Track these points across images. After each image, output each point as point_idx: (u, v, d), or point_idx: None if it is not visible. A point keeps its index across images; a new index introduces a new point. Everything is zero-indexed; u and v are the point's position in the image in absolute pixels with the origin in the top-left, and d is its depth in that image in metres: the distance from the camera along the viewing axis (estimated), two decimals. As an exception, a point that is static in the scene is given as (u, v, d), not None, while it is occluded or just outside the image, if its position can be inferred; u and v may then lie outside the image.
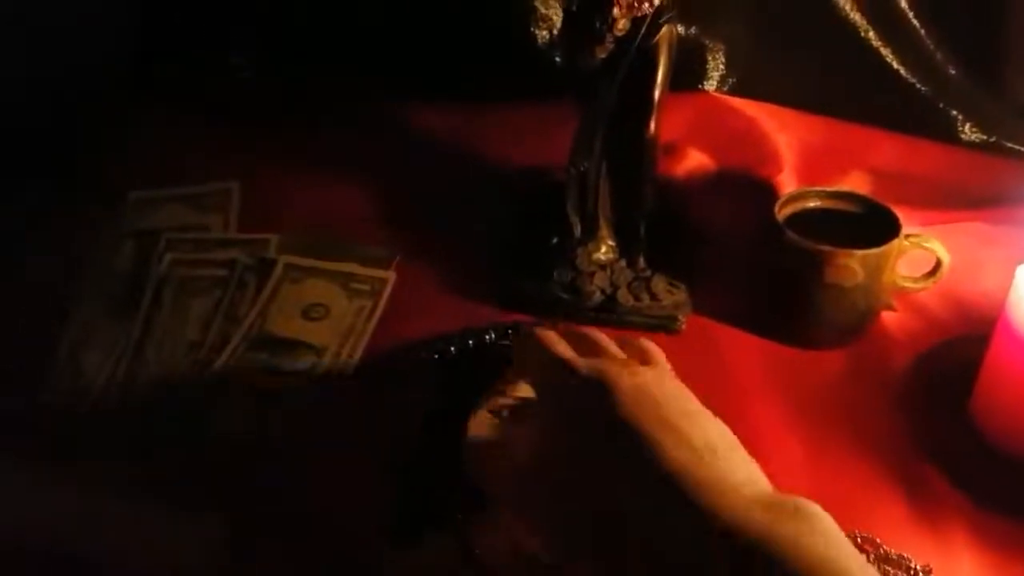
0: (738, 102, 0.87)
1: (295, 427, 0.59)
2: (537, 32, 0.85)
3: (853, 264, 0.60)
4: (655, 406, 0.42)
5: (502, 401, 0.55)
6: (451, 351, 0.62)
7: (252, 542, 0.53)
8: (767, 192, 0.75)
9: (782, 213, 0.64)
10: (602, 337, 0.50)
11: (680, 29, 0.83)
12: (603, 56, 0.60)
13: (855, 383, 0.62)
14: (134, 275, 0.70)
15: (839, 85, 0.85)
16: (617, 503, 0.41)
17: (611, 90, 0.62)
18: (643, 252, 0.67)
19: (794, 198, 0.66)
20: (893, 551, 0.51)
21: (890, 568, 0.51)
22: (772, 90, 0.87)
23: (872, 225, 0.63)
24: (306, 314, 0.66)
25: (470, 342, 0.62)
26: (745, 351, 0.64)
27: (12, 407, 0.61)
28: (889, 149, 0.82)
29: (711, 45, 0.88)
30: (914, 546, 0.52)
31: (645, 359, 0.49)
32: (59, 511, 0.55)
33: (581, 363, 0.46)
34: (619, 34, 0.59)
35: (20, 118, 0.76)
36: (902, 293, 0.65)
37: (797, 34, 0.84)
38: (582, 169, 0.65)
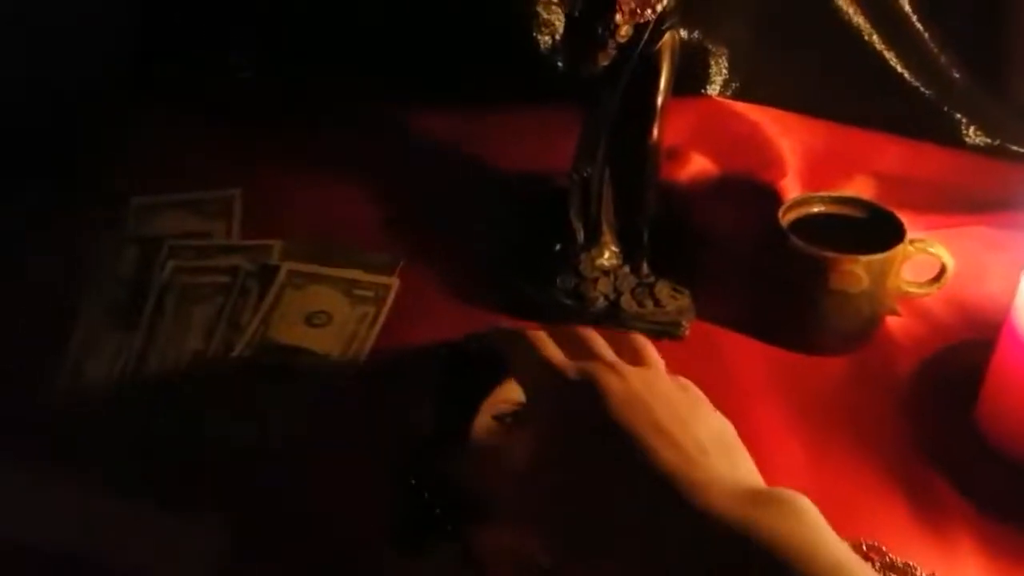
0: (741, 106, 0.87)
1: (296, 431, 0.59)
2: (539, 37, 0.85)
3: (858, 270, 0.60)
4: (645, 409, 0.43)
5: (504, 406, 0.55)
6: (454, 357, 0.62)
7: (253, 544, 0.53)
8: (771, 197, 0.75)
9: (786, 218, 0.64)
10: (594, 337, 0.50)
11: (683, 33, 0.83)
12: (606, 62, 0.60)
13: (860, 389, 0.62)
14: (137, 282, 0.69)
15: (842, 89, 0.85)
16: (612, 506, 0.41)
17: (614, 96, 0.62)
18: (646, 258, 0.67)
19: (798, 203, 0.66)
20: (899, 559, 0.51)
21: (896, 576, 0.51)
22: (775, 94, 0.87)
23: (876, 230, 0.63)
24: (309, 321, 0.66)
25: (473, 348, 0.62)
26: (749, 357, 0.64)
27: (14, 411, 0.61)
28: (893, 153, 0.82)
29: (714, 49, 0.87)
30: (919, 553, 0.52)
31: (638, 359, 0.49)
32: (60, 512, 0.55)
33: (571, 367, 0.46)
34: (622, 40, 0.59)
35: (20, 119, 0.76)
36: (907, 298, 0.65)
37: (800, 38, 0.84)
38: (585, 175, 0.65)
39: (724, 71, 0.88)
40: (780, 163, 0.80)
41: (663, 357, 0.61)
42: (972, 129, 0.83)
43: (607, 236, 0.67)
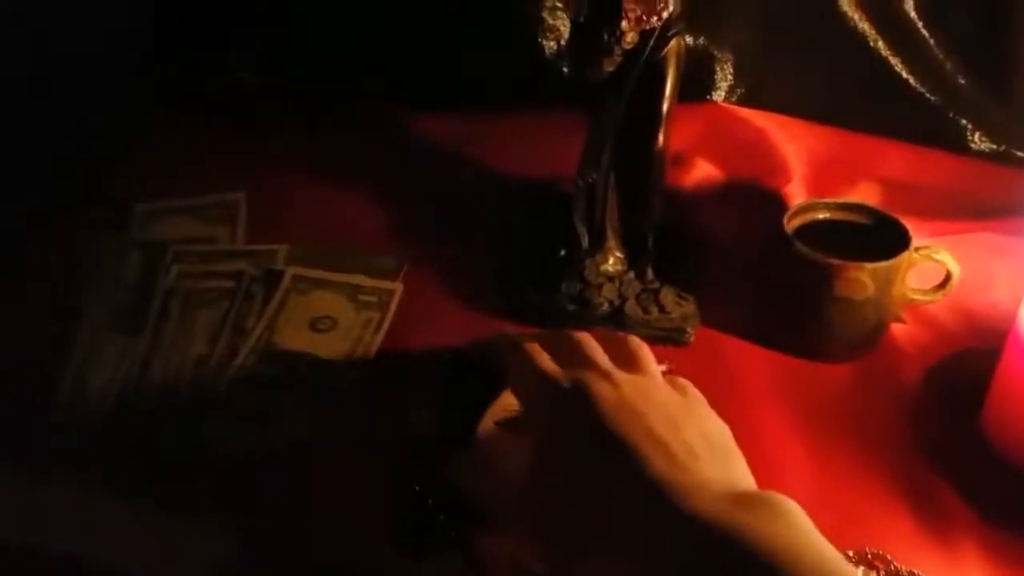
0: (746, 112, 0.87)
1: (300, 435, 0.59)
2: (545, 43, 0.85)
3: (863, 277, 0.60)
4: (637, 416, 0.44)
5: (507, 412, 0.55)
6: (457, 362, 0.62)
7: (255, 548, 0.53)
8: (776, 203, 0.75)
9: (791, 225, 0.64)
10: (588, 342, 0.50)
11: (688, 40, 0.83)
12: (611, 68, 0.60)
13: (865, 396, 0.62)
14: (141, 287, 0.69)
15: (848, 95, 0.85)
16: (604, 512, 0.42)
17: (619, 102, 0.62)
18: (651, 264, 0.67)
19: (803, 209, 0.66)
20: (904, 567, 0.51)
21: (901, 584, 0.51)
22: (780, 100, 0.87)
23: (882, 237, 0.63)
24: (314, 326, 0.66)
25: (476, 353, 0.62)
26: (754, 363, 0.64)
27: (17, 414, 0.61)
28: (898, 159, 0.82)
29: (719, 55, 0.87)
30: (924, 561, 0.52)
31: (632, 363, 0.49)
32: (62, 515, 0.55)
33: (564, 376, 0.47)
34: (627, 47, 0.59)
35: (22, 123, 0.77)
36: (912, 305, 0.65)
37: (805, 44, 0.84)
38: (590, 180, 0.65)
39: (729, 77, 0.88)
40: (785, 169, 0.80)
41: (667, 363, 0.62)
42: (978, 135, 0.83)
43: (612, 242, 0.67)
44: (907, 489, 0.56)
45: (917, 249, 0.62)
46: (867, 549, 0.52)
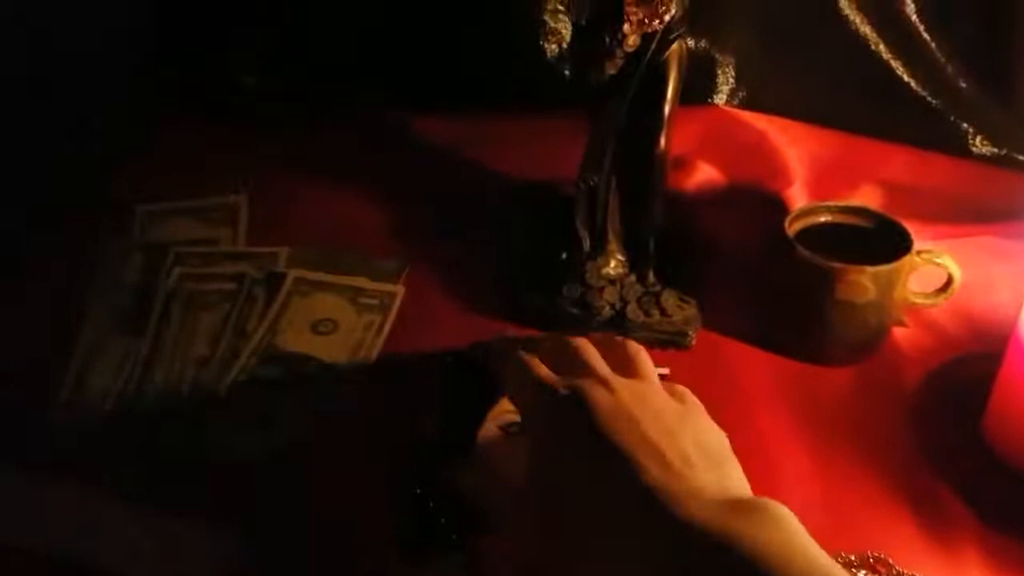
0: (748, 116, 0.87)
1: (302, 438, 0.59)
2: (546, 46, 0.85)
3: (864, 281, 0.60)
4: (632, 423, 0.44)
5: (510, 415, 0.55)
6: (459, 365, 0.62)
7: (257, 551, 0.53)
8: (777, 206, 0.75)
9: (792, 228, 0.64)
10: (586, 348, 0.50)
11: (690, 43, 0.83)
12: (613, 71, 0.60)
13: (866, 400, 0.62)
14: (143, 289, 0.70)
15: (849, 98, 0.85)
16: (600, 519, 0.42)
17: (621, 105, 0.62)
18: (653, 267, 0.67)
19: (804, 213, 0.66)
20: (905, 571, 0.51)
21: (902, 589, 0.51)
22: (782, 103, 0.87)
23: (883, 240, 0.63)
24: (315, 329, 0.66)
25: (478, 356, 0.62)
26: (755, 367, 0.64)
27: (19, 417, 0.61)
28: (900, 163, 0.82)
29: (721, 59, 0.87)
30: (926, 565, 0.52)
31: (630, 368, 0.49)
32: (64, 518, 0.55)
33: (560, 383, 0.47)
34: (629, 50, 0.59)
35: (24, 125, 0.77)
36: (913, 309, 0.65)
37: (807, 48, 0.84)
38: (592, 183, 0.65)
39: (731, 80, 0.88)
40: (787, 172, 0.80)
41: (669, 367, 0.62)
42: (979, 139, 0.83)
43: (613, 245, 0.67)
44: (909, 493, 0.56)
45: (919, 253, 0.62)
46: (869, 553, 0.52)
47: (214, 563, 0.52)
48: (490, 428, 0.56)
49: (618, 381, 0.47)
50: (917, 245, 0.62)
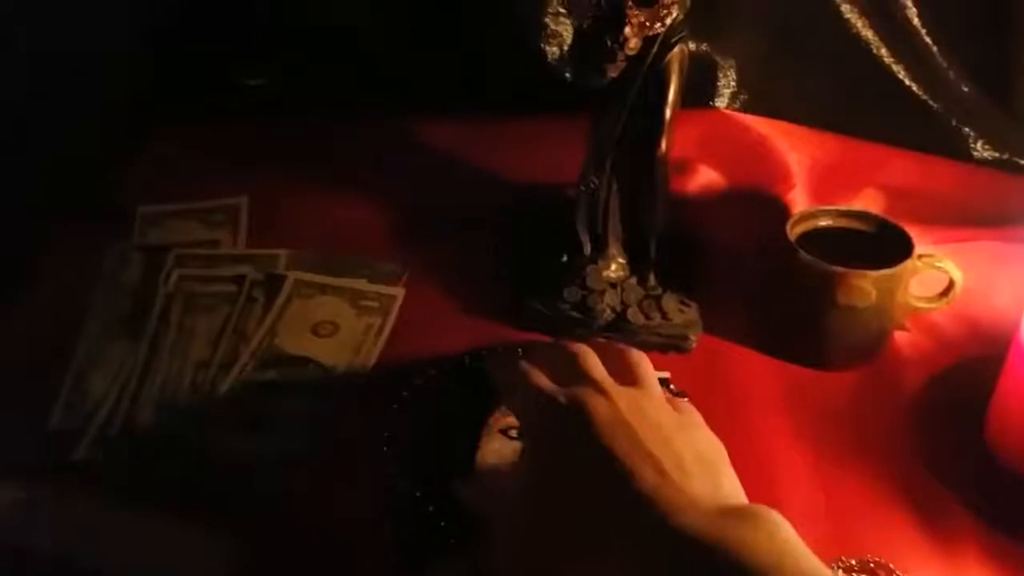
0: (749, 119, 0.87)
1: (301, 441, 0.59)
2: (548, 48, 0.85)
3: (866, 285, 0.60)
4: (629, 432, 0.44)
5: (512, 419, 0.55)
6: (459, 369, 0.62)
7: (256, 556, 0.53)
8: (778, 210, 0.75)
9: (794, 232, 0.64)
10: (585, 355, 0.51)
11: (691, 46, 0.83)
12: (614, 74, 0.60)
13: (867, 404, 0.62)
14: (143, 291, 0.70)
15: (851, 102, 0.85)
16: (596, 527, 0.43)
17: (622, 108, 0.62)
18: (653, 270, 0.67)
19: (806, 216, 0.66)
20: (906, 576, 0.51)
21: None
22: (783, 107, 0.87)
23: (884, 244, 0.63)
24: (315, 331, 0.66)
25: (478, 360, 0.62)
26: (756, 370, 0.64)
27: (18, 420, 0.61)
28: (901, 167, 0.82)
29: (722, 62, 0.87)
30: (927, 570, 0.52)
31: (630, 376, 0.50)
32: (62, 522, 0.55)
33: (559, 392, 0.48)
34: (630, 53, 0.59)
35: (24, 128, 0.76)
36: (915, 313, 0.65)
37: (808, 51, 0.84)
38: (592, 186, 0.65)
39: (732, 83, 0.88)
40: (788, 176, 0.80)
41: (670, 370, 0.61)
42: (980, 143, 0.83)
43: (614, 248, 0.67)
44: (909, 497, 0.55)
45: (920, 257, 0.62)
46: (869, 557, 0.52)
47: (212, 567, 0.52)
48: (492, 432, 0.55)
49: (617, 390, 0.47)
50: (918, 249, 0.62)
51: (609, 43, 0.58)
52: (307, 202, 0.79)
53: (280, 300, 0.68)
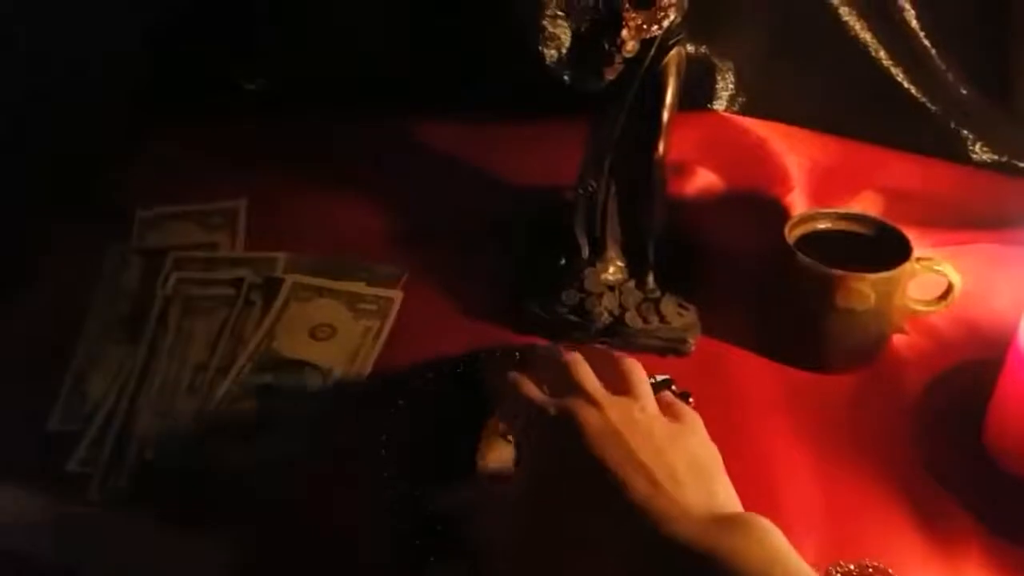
0: (747, 121, 0.87)
1: (299, 446, 0.59)
2: (546, 51, 0.85)
3: (864, 288, 0.60)
4: (620, 442, 0.45)
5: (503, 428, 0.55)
6: (457, 372, 0.62)
7: (253, 561, 0.53)
8: (777, 213, 0.75)
9: (792, 234, 0.63)
10: (578, 365, 0.51)
11: (689, 48, 0.83)
12: (612, 77, 0.60)
13: (866, 407, 0.62)
14: (141, 294, 0.69)
15: (849, 105, 0.85)
16: (588, 537, 0.44)
17: (620, 111, 0.62)
18: (652, 273, 0.67)
19: (804, 219, 0.65)
20: (905, 580, 0.51)
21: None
22: (782, 110, 0.87)
23: (883, 247, 0.63)
24: (313, 334, 0.66)
25: (476, 364, 0.62)
26: (755, 374, 0.64)
27: (17, 423, 0.60)
28: (900, 169, 0.82)
29: (720, 64, 0.87)
30: (926, 574, 0.51)
31: (623, 385, 0.50)
32: (60, 527, 0.55)
33: (551, 404, 0.48)
34: (628, 55, 0.59)
35: (24, 130, 0.76)
36: (914, 316, 0.65)
37: (807, 53, 0.84)
38: (591, 189, 0.65)
39: (731, 86, 0.88)
40: (786, 179, 0.80)
41: (669, 373, 0.61)
42: (979, 145, 0.83)
43: (612, 251, 0.67)
44: (908, 500, 0.55)
45: (918, 260, 0.62)
46: (867, 561, 0.51)
47: (212, 570, 0.52)
48: (490, 436, 0.55)
49: (609, 400, 0.48)
50: (917, 252, 0.62)
51: (606, 46, 0.58)
52: (306, 203, 0.79)
53: (278, 303, 0.68)
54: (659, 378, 0.61)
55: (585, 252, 0.67)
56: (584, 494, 0.44)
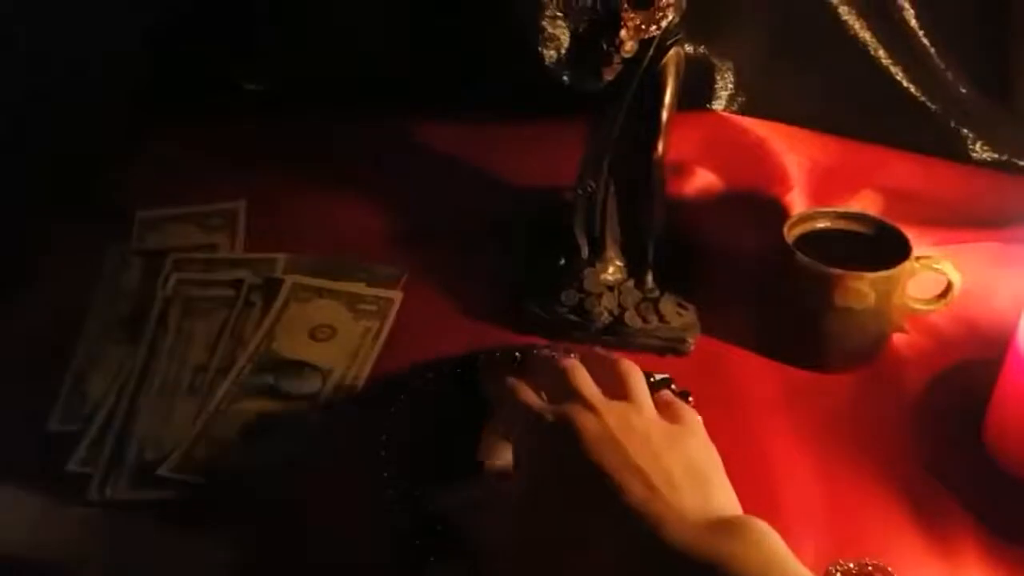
0: (747, 121, 0.87)
1: (298, 446, 0.59)
2: (545, 52, 0.85)
3: (864, 287, 0.60)
4: (617, 448, 0.45)
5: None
6: (457, 372, 0.62)
7: (254, 562, 0.53)
8: (776, 212, 0.75)
9: (791, 234, 0.63)
10: (575, 371, 0.51)
11: (688, 48, 0.83)
12: (611, 77, 0.60)
13: (866, 406, 0.62)
14: (141, 295, 0.70)
15: (849, 104, 0.85)
16: (586, 543, 0.44)
17: (619, 111, 0.62)
18: (651, 273, 0.67)
19: (803, 218, 0.65)
20: (904, 579, 0.51)
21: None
22: (781, 109, 0.87)
23: (882, 246, 0.63)
24: (313, 335, 0.66)
25: (476, 364, 0.62)
26: (755, 373, 0.64)
27: (16, 425, 0.60)
28: (899, 168, 0.82)
29: (719, 64, 0.87)
30: (925, 573, 0.51)
31: (621, 389, 0.50)
32: (59, 528, 0.55)
33: (548, 410, 0.48)
34: (627, 55, 0.59)
35: (24, 131, 0.77)
36: (913, 315, 0.65)
37: (806, 53, 0.84)
38: (590, 189, 0.65)
39: (730, 86, 0.88)
40: (785, 178, 0.80)
41: (668, 373, 0.61)
42: (979, 144, 0.83)
43: (611, 251, 0.67)
44: (908, 500, 0.55)
45: (918, 258, 0.62)
46: (867, 560, 0.51)
47: (211, 571, 0.52)
48: (491, 436, 0.55)
49: (606, 406, 0.48)
50: (916, 251, 0.62)
51: (605, 46, 0.58)
52: (306, 203, 0.79)
53: (277, 304, 0.68)
54: (658, 377, 0.61)
55: (584, 252, 0.67)
56: (581, 499, 0.44)
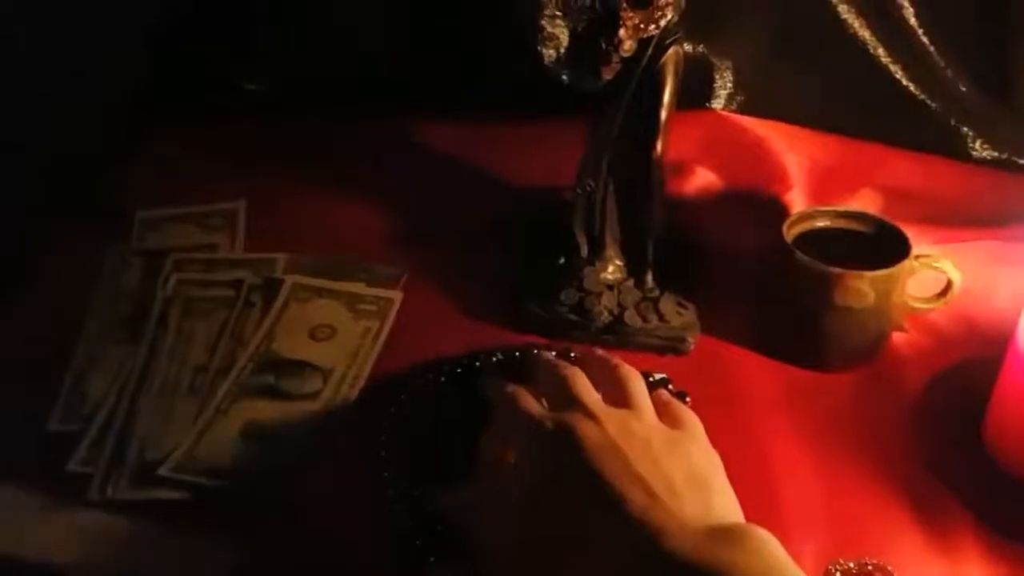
0: (746, 120, 0.87)
1: (298, 447, 0.59)
2: (544, 51, 0.85)
3: (863, 286, 0.60)
4: (618, 455, 0.45)
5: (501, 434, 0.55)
6: (457, 372, 0.62)
7: (253, 564, 0.53)
8: (776, 211, 0.75)
9: (791, 233, 0.63)
10: (575, 377, 0.51)
11: (687, 47, 0.83)
12: (610, 76, 0.60)
13: (866, 405, 0.62)
14: (141, 295, 0.70)
15: (848, 103, 0.85)
16: (587, 551, 0.44)
17: (618, 110, 0.62)
18: (651, 272, 0.67)
19: (803, 217, 0.65)
20: (904, 579, 0.51)
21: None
22: (780, 108, 0.87)
23: (882, 245, 0.63)
24: (313, 335, 0.66)
25: (476, 364, 0.62)
26: (754, 372, 0.64)
27: (16, 426, 0.60)
28: (899, 167, 0.81)
29: (719, 63, 0.87)
30: (926, 573, 0.51)
31: (620, 395, 0.51)
32: (59, 529, 0.55)
33: (548, 418, 0.48)
34: (625, 55, 0.59)
35: (24, 132, 0.77)
36: (913, 314, 0.65)
37: (805, 52, 0.84)
38: (589, 189, 0.65)
39: (729, 85, 0.88)
40: (785, 177, 0.80)
41: (667, 373, 0.61)
42: (979, 143, 0.82)
43: (611, 250, 0.67)
44: (908, 499, 0.55)
45: (918, 257, 0.62)
46: (867, 560, 0.51)
47: (211, 571, 0.52)
48: (491, 437, 0.55)
49: (606, 413, 0.48)
50: (916, 249, 0.62)
51: (604, 45, 0.58)
52: (306, 203, 0.79)
53: (277, 304, 0.68)
54: (656, 376, 0.61)
55: (584, 251, 0.67)
56: (581, 507, 0.44)
